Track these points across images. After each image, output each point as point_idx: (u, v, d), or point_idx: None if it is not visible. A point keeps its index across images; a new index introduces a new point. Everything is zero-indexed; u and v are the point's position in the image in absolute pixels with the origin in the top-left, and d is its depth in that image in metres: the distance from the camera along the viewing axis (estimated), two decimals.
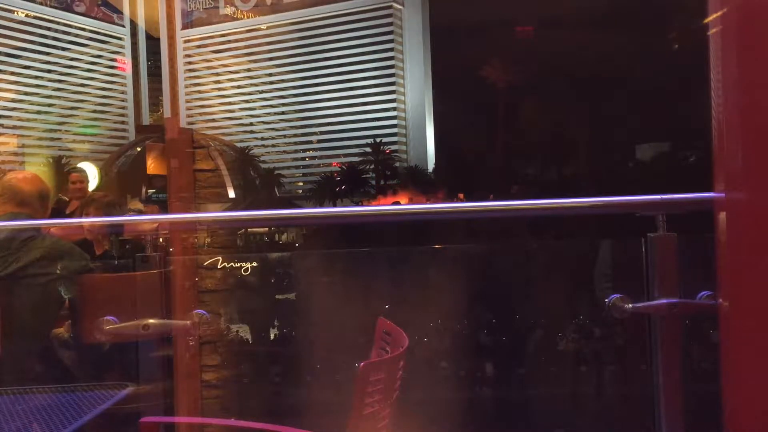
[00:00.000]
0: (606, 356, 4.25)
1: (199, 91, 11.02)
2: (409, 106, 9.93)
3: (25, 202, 2.93)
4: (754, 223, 0.98)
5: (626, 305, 1.95)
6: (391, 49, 9.83)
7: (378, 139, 9.51)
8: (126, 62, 11.03)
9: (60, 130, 10.35)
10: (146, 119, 11.33)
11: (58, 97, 10.24)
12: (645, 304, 1.95)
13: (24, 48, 9.77)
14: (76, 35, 10.46)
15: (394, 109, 9.85)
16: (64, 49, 10.28)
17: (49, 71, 10.10)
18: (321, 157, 10.51)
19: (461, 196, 7.91)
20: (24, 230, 2.81)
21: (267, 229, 7.14)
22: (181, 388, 2.56)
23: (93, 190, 7.39)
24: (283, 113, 10.66)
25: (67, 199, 5.98)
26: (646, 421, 1.98)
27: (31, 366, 2.79)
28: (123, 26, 11.05)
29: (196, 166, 4.17)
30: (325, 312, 4.04)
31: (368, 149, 9.45)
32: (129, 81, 11.06)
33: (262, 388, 4.26)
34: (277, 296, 4.52)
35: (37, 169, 8.88)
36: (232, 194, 8.66)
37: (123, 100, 11.00)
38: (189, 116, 10.83)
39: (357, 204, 8.56)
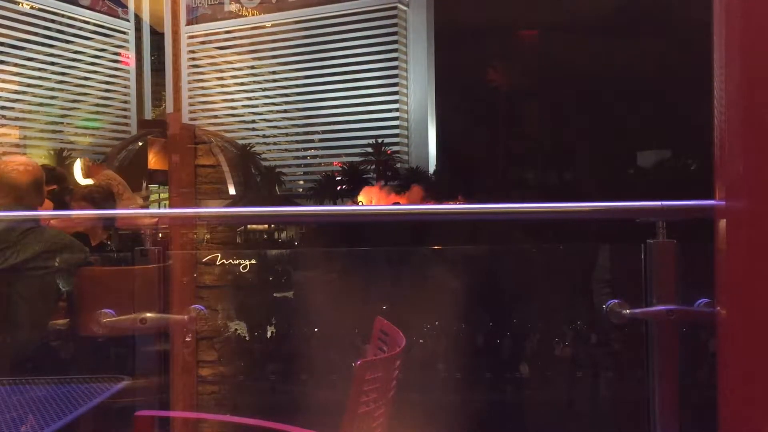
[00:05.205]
0: (603, 361, 4.25)
1: (202, 87, 11.03)
2: (411, 108, 9.94)
3: (21, 193, 2.90)
4: (753, 232, 0.98)
5: (624, 311, 1.96)
6: (395, 50, 9.84)
7: (380, 140, 9.51)
8: (130, 56, 11.03)
9: (62, 123, 10.35)
10: (148, 114, 11.34)
11: (61, 90, 10.24)
12: (643, 310, 1.96)
13: (28, 40, 9.77)
14: (81, 28, 10.46)
15: (397, 110, 9.86)
16: (67, 41, 10.29)
17: (52, 64, 10.10)
18: (322, 156, 10.51)
19: (461, 197, 7.91)
20: (22, 221, 2.81)
21: (266, 226, 7.14)
22: (177, 382, 2.56)
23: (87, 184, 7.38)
24: (285, 111, 10.66)
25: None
26: (642, 427, 1.98)
27: (28, 357, 2.79)
28: (127, 20, 11.05)
29: (198, 162, 4.17)
30: (322, 310, 4.04)
31: (370, 149, 9.45)
32: (132, 75, 11.06)
33: (257, 385, 4.26)
34: (274, 294, 4.52)
35: (38, 161, 8.86)
36: (232, 191, 8.67)
37: (126, 95, 11.01)
38: (191, 112, 10.83)
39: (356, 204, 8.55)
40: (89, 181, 7.99)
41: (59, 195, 4.01)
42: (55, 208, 3.33)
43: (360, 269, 4.33)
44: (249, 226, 6.63)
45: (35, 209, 2.97)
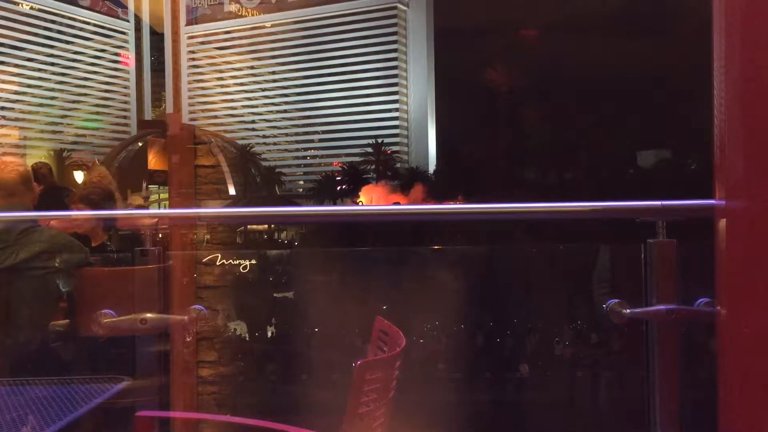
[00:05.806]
0: (603, 361, 4.25)
1: (202, 88, 11.03)
2: (411, 107, 9.94)
3: (12, 192, 2.88)
4: (753, 231, 0.98)
5: (624, 310, 1.95)
6: (395, 50, 9.84)
7: (380, 140, 9.51)
8: (129, 57, 11.03)
9: (62, 124, 10.35)
10: (148, 114, 11.34)
11: (61, 90, 10.24)
12: (643, 310, 1.95)
13: (28, 40, 9.77)
14: (81, 29, 10.46)
15: (397, 110, 9.86)
16: (67, 42, 10.28)
17: (52, 64, 10.10)
18: (322, 157, 10.52)
19: (461, 197, 7.91)
20: (20, 222, 2.80)
21: (266, 226, 7.14)
22: (177, 383, 2.57)
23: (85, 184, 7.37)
24: (285, 111, 10.67)
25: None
26: (643, 428, 1.98)
27: (28, 358, 2.79)
28: (127, 21, 11.05)
29: (197, 162, 4.16)
30: (322, 310, 4.04)
31: (370, 149, 9.46)
32: (132, 76, 11.06)
33: (257, 385, 4.26)
34: (274, 294, 4.52)
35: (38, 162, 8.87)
36: (232, 191, 8.67)
37: (125, 95, 11.01)
38: (191, 112, 10.83)
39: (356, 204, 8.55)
40: (79, 174, 7.98)
41: (45, 194, 3.99)
42: (41, 208, 3.31)
43: (360, 269, 4.33)
44: (249, 226, 6.63)
45: (28, 207, 2.96)
